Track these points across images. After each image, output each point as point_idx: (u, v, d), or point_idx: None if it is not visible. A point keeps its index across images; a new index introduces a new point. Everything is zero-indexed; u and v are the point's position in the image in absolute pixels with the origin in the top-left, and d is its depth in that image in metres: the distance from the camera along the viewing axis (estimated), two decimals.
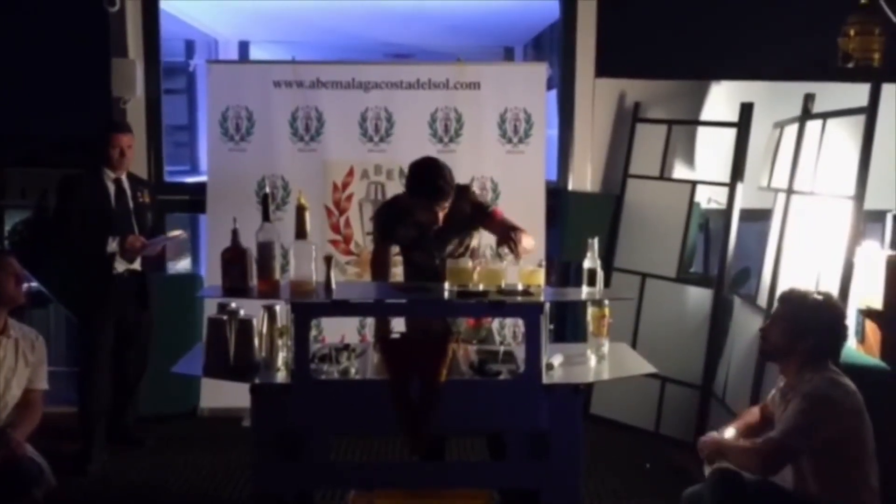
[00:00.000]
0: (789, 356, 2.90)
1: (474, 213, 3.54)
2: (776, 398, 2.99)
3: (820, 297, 2.92)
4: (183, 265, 6.39)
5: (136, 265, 4.42)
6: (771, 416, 2.99)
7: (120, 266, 4.34)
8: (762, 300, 4.31)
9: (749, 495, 2.78)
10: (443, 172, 3.39)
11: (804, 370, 2.85)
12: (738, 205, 4.66)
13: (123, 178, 4.40)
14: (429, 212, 3.43)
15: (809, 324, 2.85)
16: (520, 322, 4.62)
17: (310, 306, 3.01)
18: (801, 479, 2.79)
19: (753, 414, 3.12)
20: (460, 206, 3.50)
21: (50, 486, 3.31)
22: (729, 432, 3.02)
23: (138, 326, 4.50)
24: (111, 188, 4.36)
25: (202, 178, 5.50)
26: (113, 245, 4.26)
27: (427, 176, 3.40)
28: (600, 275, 3.17)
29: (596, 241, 3.18)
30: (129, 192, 4.40)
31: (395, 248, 3.77)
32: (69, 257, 4.43)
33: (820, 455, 2.74)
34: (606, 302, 3.25)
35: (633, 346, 4.44)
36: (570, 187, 5.32)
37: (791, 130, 4.49)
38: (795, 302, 2.92)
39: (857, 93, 3.88)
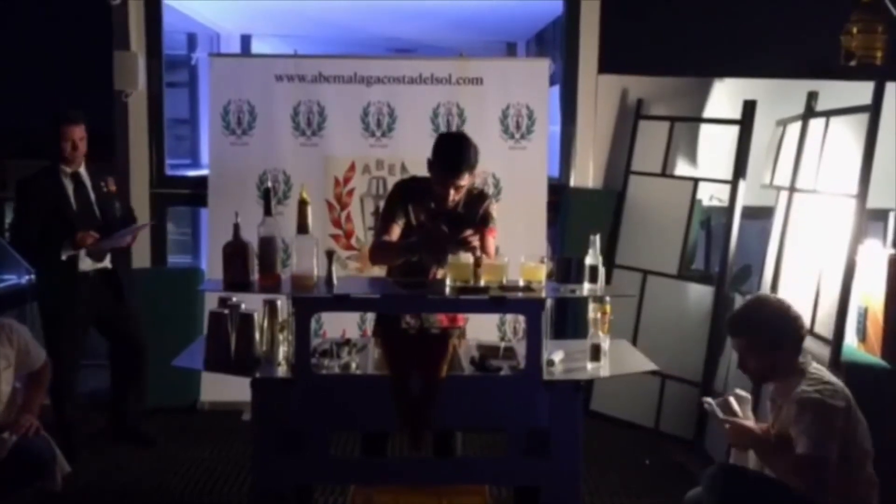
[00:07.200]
0: (775, 370, 2.88)
1: (480, 219, 3.37)
2: (768, 405, 2.98)
3: (763, 308, 2.89)
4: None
5: (107, 262, 4.26)
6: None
7: (85, 265, 4.17)
8: None
9: (747, 491, 2.77)
10: (462, 146, 3.29)
11: (789, 375, 2.85)
12: (740, 202, 4.66)
13: (81, 170, 4.23)
14: (442, 186, 3.29)
15: (772, 337, 2.83)
16: (521, 318, 4.62)
17: (311, 301, 3.01)
18: None
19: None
20: (476, 209, 3.40)
21: (64, 472, 3.32)
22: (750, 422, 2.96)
23: (120, 319, 4.38)
24: (69, 184, 4.18)
25: (203, 172, 5.49)
26: (68, 249, 4.06)
27: (445, 146, 3.32)
28: (601, 271, 3.17)
29: (598, 237, 3.18)
30: (88, 185, 4.23)
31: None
32: (30, 261, 4.33)
33: None
34: (607, 299, 3.24)
35: (634, 343, 4.43)
36: (571, 183, 5.32)
37: (794, 128, 4.48)
38: (747, 326, 2.89)
39: (861, 91, 3.87)
